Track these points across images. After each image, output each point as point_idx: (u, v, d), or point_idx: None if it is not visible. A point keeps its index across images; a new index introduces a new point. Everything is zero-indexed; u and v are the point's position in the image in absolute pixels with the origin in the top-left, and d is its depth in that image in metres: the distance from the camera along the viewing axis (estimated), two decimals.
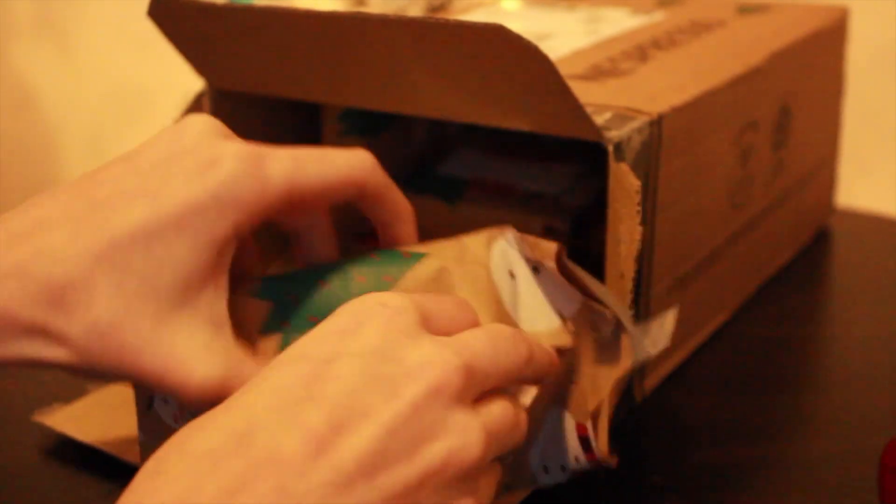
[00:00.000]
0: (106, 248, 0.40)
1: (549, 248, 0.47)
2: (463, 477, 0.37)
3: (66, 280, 0.39)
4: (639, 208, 0.51)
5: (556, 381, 0.47)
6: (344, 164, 0.45)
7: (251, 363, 0.42)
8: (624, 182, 0.51)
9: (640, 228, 0.51)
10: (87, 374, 0.41)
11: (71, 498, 0.50)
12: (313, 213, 0.47)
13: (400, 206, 0.48)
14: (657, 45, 0.67)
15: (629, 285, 0.52)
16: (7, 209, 1.54)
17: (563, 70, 0.50)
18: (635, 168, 0.53)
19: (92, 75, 1.97)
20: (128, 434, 0.54)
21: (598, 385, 0.48)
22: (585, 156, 0.70)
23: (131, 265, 0.40)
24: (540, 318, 0.47)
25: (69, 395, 0.58)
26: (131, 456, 0.52)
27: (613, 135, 0.52)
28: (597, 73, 0.61)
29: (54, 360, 0.40)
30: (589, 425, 0.47)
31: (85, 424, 0.55)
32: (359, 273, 0.45)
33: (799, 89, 0.71)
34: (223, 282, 0.42)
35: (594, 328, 0.48)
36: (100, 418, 0.54)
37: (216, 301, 0.42)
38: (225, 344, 0.41)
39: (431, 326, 0.40)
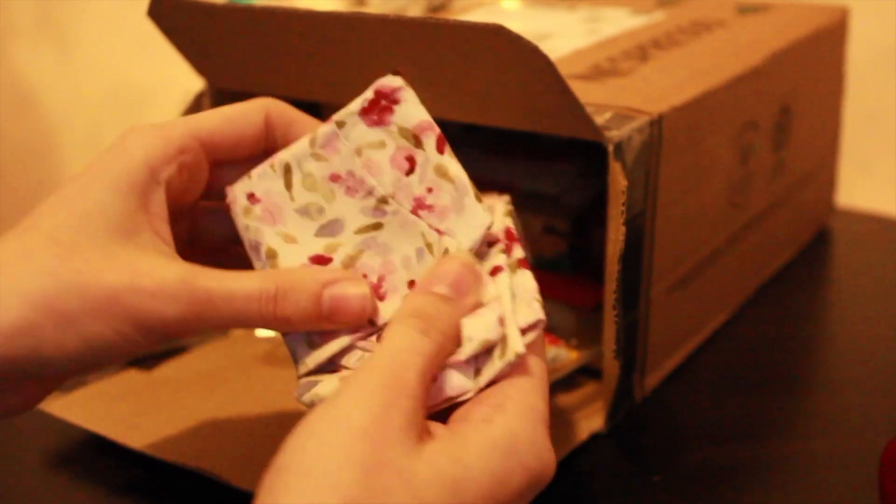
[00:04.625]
0: (31, 216, 0.43)
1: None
2: None
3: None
4: (623, 208, 0.51)
5: None
6: (242, 105, 0.47)
7: (215, 271, 0.43)
8: (615, 182, 0.51)
9: (622, 229, 0.51)
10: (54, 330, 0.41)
11: (71, 498, 0.50)
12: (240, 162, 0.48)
13: (313, 123, 0.48)
14: (657, 44, 0.67)
15: (613, 285, 0.52)
16: (7, 209, 1.53)
17: (563, 70, 0.50)
18: (635, 168, 0.53)
19: (92, 75, 1.97)
20: (127, 420, 0.54)
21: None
22: (585, 156, 0.70)
23: (59, 223, 0.42)
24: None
25: (68, 390, 0.58)
26: (131, 441, 0.52)
27: (613, 134, 0.52)
28: (597, 73, 0.61)
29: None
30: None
31: (83, 411, 0.55)
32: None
33: (799, 89, 0.71)
34: (164, 231, 0.44)
35: None
36: (99, 406, 0.54)
37: (159, 243, 0.44)
38: (179, 260, 0.44)
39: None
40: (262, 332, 0.65)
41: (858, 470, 0.52)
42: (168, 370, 0.61)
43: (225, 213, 0.48)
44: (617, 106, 0.55)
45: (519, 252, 0.45)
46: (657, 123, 0.54)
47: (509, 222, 0.46)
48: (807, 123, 0.73)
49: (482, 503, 0.36)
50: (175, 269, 0.42)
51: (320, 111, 0.70)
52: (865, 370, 0.62)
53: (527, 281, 0.44)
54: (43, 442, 0.56)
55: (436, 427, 0.39)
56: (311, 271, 0.45)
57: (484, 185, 0.69)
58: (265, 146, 0.48)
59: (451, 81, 0.53)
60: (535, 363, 0.41)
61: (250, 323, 0.43)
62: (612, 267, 0.52)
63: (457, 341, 0.41)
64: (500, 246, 0.45)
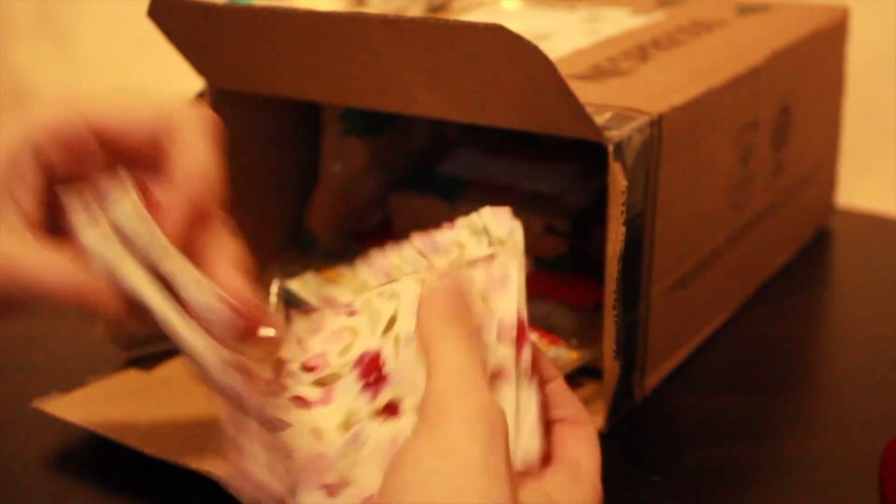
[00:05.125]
0: None
1: None
2: None
3: None
4: (623, 209, 0.51)
5: None
6: (137, 102, 0.45)
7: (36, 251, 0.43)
8: (614, 182, 0.51)
9: (622, 229, 0.51)
10: None
11: (71, 498, 0.50)
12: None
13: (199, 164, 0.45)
14: (657, 44, 0.67)
15: (613, 285, 0.52)
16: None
17: (563, 70, 0.50)
18: (635, 168, 0.53)
19: (92, 75, 1.96)
20: (126, 420, 0.54)
21: None
22: (585, 156, 0.70)
23: None
24: None
25: (67, 387, 0.58)
26: (131, 441, 0.52)
27: (614, 134, 0.51)
28: (597, 73, 0.61)
29: None
30: None
31: (83, 411, 0.55)
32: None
33: (799, 89, 0.71)
34: (25, 200, 0.43)
35: None
36: (98, 406, 0.54)
37: (8, 212, 0.43)
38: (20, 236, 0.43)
39: None
40: (262, 332, 0.65)
41: (858, 470, 0.52)
42: (168, 370, 0.61)
43: None
44: (617, 106, 0.55)
45: (527, 357, 0.42)
46: (657, 123, 0.54)
47: (523, 310, 0.43)
48: (807, 123, 0.73)
49: None
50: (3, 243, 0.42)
51: (320, 111, 0.70)
52: (865, 370, 0.62)
53: (532, 402, 0.41)
54: (43, 442, 0.56)
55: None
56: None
57: (484, 185, 0.70)
58: (154, 146, 0.45)
59: (451, 81, 0.53)
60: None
61: (55, 304, 0.44)
62: (612, 267, 0.52)
63: None
64: (509, 336, 0.42)
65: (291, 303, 0.63)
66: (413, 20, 0.50)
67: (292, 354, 0.44)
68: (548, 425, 0.42)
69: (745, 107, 0.64)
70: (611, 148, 0.51)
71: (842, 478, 0.52)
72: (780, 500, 0.51)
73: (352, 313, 0.44)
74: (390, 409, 0.41)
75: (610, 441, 0.55)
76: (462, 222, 0.47)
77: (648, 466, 0.53)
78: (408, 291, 0.43)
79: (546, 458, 0.41)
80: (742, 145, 0.64)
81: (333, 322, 0.44)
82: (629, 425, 0.56)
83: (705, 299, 0.64)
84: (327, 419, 0.41)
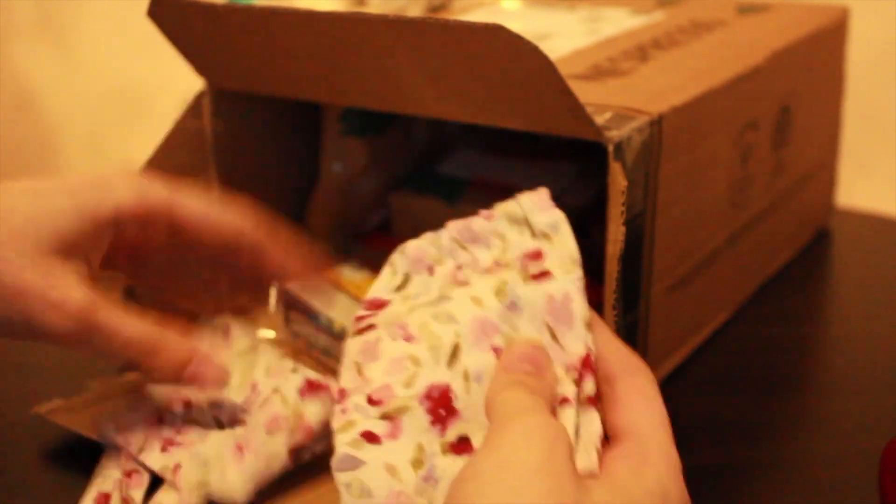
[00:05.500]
0: (5, 187, 0.48)
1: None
2: None
3: None
4: (623, 209, 0.51)
5: None
6: (225, 210, 0.52)
7: (115, 309, 0.48)
8: (614, 182, 0.51)
9: (622, 229, 0.51)
10: None
11: (71, 498, 0.50)
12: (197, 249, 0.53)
13: (283, 261, 0.54)
14: (657, 44, 0.67)
15: (613, 285, 0.52)
16: None
17: (563, 70, 0.50)
18: (635, 168, 0.53)
19: (92, 75, 1.97)
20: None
21: None
22: (585, 155, 0.70)
23: (16, 208, 0.47)
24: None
25: (69, 393, 0.58)
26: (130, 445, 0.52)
27: (614, 134, 0.51)
28: (597, 73, 0.61)
29: None
30: None
31: (83, 418, 0.55)
32: None
33: (799, 89, 0.71)
34: (94, 260, 0.50)
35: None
36: (98, 412, 0.54)
37: (84, 270, 0.49)
38: (92, 291, 0.48)
39: None
40: (262, 333, 0.65)
41: (858, 470, 0.52)
42: None
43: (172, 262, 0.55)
44: (617, 106, 0.55)
45: (590, 387, 0.42)
46: (657, 123, 0.54)
47: (589, 342, 0.43)
48: (807, 123, 0.73)
49: None
50: (83, 296, 0.47)
51: (320, 111, 0.70)
52: (865, 370, 0.62)
53: (593, 423, 0.41)
54: (43, 442, 0.56)
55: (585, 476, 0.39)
56: (186, 342, 0.50)
57: (484, 185, 0.70)
58: (227, 254, 0.53)
59: (451, 81, 0.53)
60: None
61: (129, 360, 0.49)
62: (612, 267, 0.52)
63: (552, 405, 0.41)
64: (573, 375, 0.42)
65: (291, 303, 0.63)
66: (413, 20, 0.50)
67: (353, 384, 0.43)
68: (600, 392, 0.42)
69: (745, 107, 0.64)
70: (611, 148, 0.51)
71: (842, 478, 0.52)
72: (780, 500, 0.51)
73: (408, 338, 0.43)
74: (462, 445, 0.41)
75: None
76: (500, 211, 0.47)
77: None
78: (464, 314, 0.43)
79: (608, 432, 0.41)
80: (742, 145, 0.64)
81: (391, 349, 0.43)
82: None
83: (705, 299, 0.64)
84: (397, 455, 0.41)
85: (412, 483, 0.40)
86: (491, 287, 0.43)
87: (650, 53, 0.65)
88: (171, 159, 0.62)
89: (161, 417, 0.53)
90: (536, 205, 0.46)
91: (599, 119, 0.53)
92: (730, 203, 0.64)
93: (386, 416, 0.42)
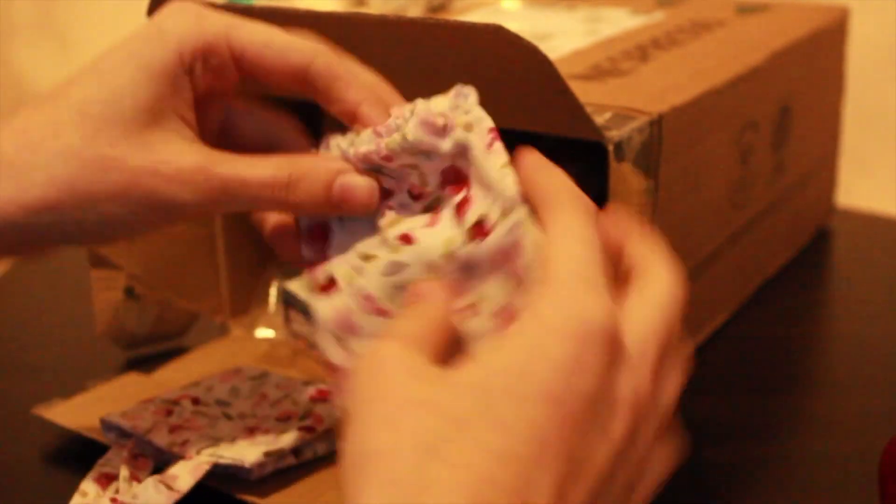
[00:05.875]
0: (62, 86, 0.44)
1: None
2: None
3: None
4: (638, 208, 0.51)
5: None
6: (288, 38, 0.46)
7: (232, 157, 0.44)
8: (627, 182, 0.51)
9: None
10: (75, 206, 0.42)
11: (71, 498, 0.50)
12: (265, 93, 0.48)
13: (363, 83, 0.47)
14: (657, 45, 0.67)
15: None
16: None
17: (563, 70, 0.50)
18: (635, 168, 0.53)
19: None
20: None
21: None
22: (585, 155, 0.70)
23: (89, 96, 0.43)
24: None
25: (69, 393, 0.58)
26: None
27: (614, 134, 0.51)
28: (597, 73, 0.61)
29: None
30: None
31: (84, 418, 0.55)
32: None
33: (799, 89, 0.71)
34: (189, 117, 0.45)
35: None
36: (99, 412, 0.54)
37: (183, 128, 0.44)
38: (201, 146, 0.44)
39: None
40: (261, 333, 0.65)
41: (858, 470, 0.52)
42: (168, 373, 0.61)
43: (255, 115, 0.49)
44: (617, 106, 0.55)
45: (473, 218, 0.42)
46: (657, 123, 0.54)
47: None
48: (807, 123, 0.73)
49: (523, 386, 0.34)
50: (194, 156, 0.43)
51: (320, 111, 0.70)
52: (865, 370, 0.62)
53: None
54: (43, 442, 0.56)
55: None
56: (324, 160, 0.45)
57: None
58: (300, 88, 0.47)
59: (451, 81, 0.53)
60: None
61: (265, 207, 0.45)
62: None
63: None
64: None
65: (291, 303, 0.63)
66: (413, 20, 0.50)
67: (344, 361, 0.44)
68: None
69: (745, 107, 0.64)
70: (611, 148, 0.51)
71: (842, 478, 0.52)
72: (780, 500, 0.51)
73: (381, 312, 0.44)
74: (479, 228, 0.41)
75: None
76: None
77: None
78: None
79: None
80: (742, 145, 0.64)
81: (368, 323, 0.44)
82: None
83: (705, 299, 0.64)
84: (430, 250, 0.42)
85: (450, 276, 0.42)
86: (440, 251, 0.43)
87: (650, 53, 0.65)
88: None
89: (169, 410, 0.53)
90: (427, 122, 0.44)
91: (599, 119, 0.53)
92: (730, 203, 0.64)
93: (429, 208, 0.44)
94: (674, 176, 0.57)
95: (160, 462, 0.50)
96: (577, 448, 0.34)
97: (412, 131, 0.42)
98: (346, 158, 0.45)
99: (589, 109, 0.51)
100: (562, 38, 0.69)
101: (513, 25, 0.47)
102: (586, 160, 0.70)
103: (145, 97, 0.43)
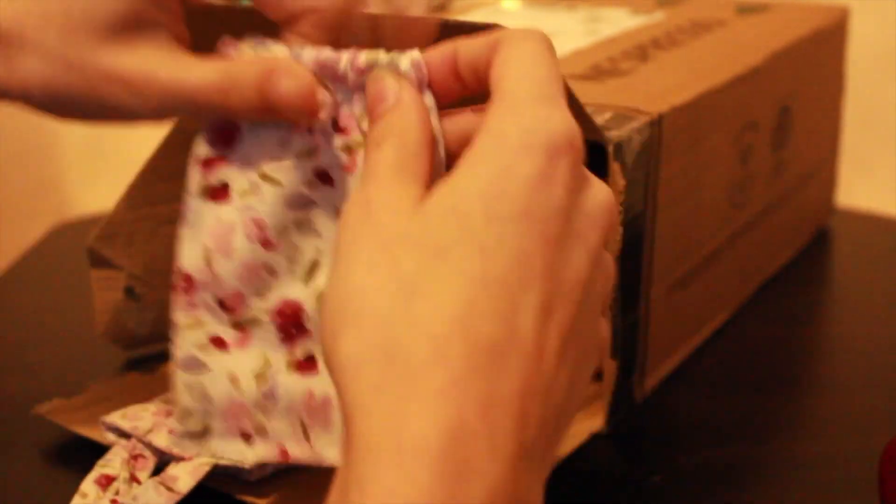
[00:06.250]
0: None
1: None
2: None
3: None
4: (622, 209, 0.51)
5: None
6: None
7: (183, 63, 0.43)
8: (614, 182, 0.51)
9: (620, 229, 0.51)
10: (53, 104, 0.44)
11: (71, 498, 0.50)
12: None
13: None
14: (657, 45, 0.67)
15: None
16: (7, 209, 1.52)
17: (563, 70, 0.50)
18: (635, 168, 0.53)
19: None
20: None
21: None
22: (585, 155, 0.70)
23: (72, 8, 0.43)
24: None
25: (69, 393, 0.58)
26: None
27: (613, 135, 0.52)
28: (597, 73, 0.61)
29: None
30: None
31: (84, 418, 0.55)
32: None
33: (799, 89, 0.71)
34: (177, 28, 0.45)
35: None
36: (99, 412, 0.54)
37: (161, 39, 0.44)
38: (174, 55, 0.44)
39: None
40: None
41: (858, 470, 0.52)
42: (168, 373, 0.61)
43: None
44: (617, 106, 0.55)
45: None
46: (657, 123, 0.54)
47: None
48: (807, 123, 0.73)
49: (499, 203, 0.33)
50: (149, 64, 0.43)
51: None
52: (865, 370, 0.62)
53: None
54: (43, 442, 0.56)
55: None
56: (256, 63, 0.43)
57: None
58: None
59: None
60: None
61: (208, 113, 0.44)
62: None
63: (417, 127, 0.38)
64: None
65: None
66: (413, 20, 0.50)
67: (203, 277, 0.42)
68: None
69: (745, 107, 0.64)
70: (611, 148, 0.51)
71: (842, 478, 0.52)
72: (780, 500, 0.51)
73: (266, 243, 0.42)
74: (308, 364, 0.41)
75: (610, 441, 0.55)
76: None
77: (648, 466, 0.53)
78: (328, 229, 0.42)
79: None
80: (742, 145, 0.64)
81: (246, 249, 0.42)
82: (629, 425, 0.56)
83: (705, 299, 0.64)
84: (242, 366, 0.41)
85: (253, 396, 0.41)
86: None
87: (650, 53, 0.65)
88: (170, 160, 0.62)
89: (169, 411, 0.53)
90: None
91: (599, 119, 0.53)
92: (730, 203, 0.64)
93: (237, 326, 0.42)
94: (674, 176, 0.57)
95: (160, 463, 0.50)
96: (557, 263, 0.33)
97: (405, 63, 0.40)
98: (296, 59, 0.42)
99: (589, 109, 0.51)
100: (562, 38, 0.69)
101: (513, 25, 0.47)
102: (586, 160, 0.70)
103: (123, 7, 0.43)
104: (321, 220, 0.42)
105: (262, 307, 0.42)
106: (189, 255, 0.42)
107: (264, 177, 0.42)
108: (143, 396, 0.56)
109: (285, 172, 0.42)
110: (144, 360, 0.63)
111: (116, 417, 0.52)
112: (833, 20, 0.75)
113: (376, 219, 0.34)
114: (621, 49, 0.66)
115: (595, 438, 0.55)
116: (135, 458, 0.50)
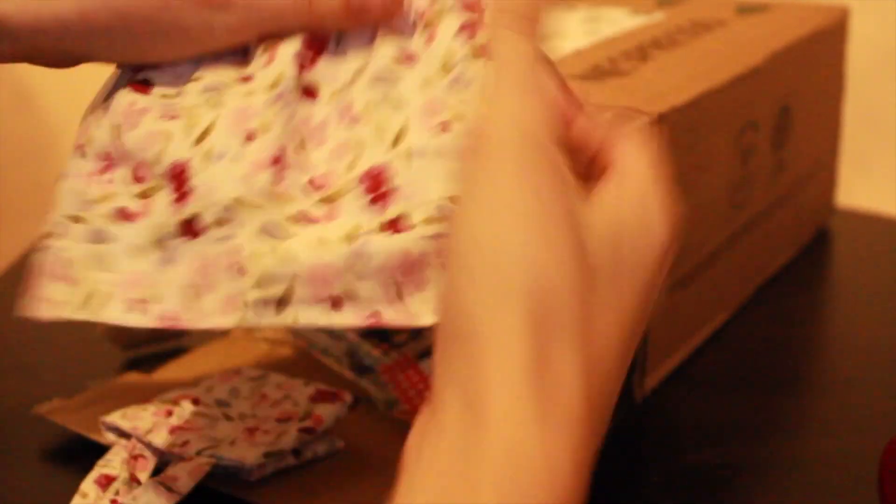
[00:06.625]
0: None
1: None
2: None
3: None
4: None
5: None
6: None
7: None
8: None
9: None
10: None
11: (71, 498, 0.50)
12: None
13: None
14: (657, 45, 0.67)
15: None
16: (7, 209, 1.52)
17: (563, 70, 0.50)
18: None
19: (92, 75, 1.96)
20: None
21: None
22: None
23: None
24: None
25: (69, 393, 0.58)
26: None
27: None
28: (597, 73, 0.61)
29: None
30: None
31: (84, 418, 0.55)
32: None
33: (799, 89, 0.71)
34: None
35: None
36: (99, 412, 0.54)
37: None
38: None
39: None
40: (261, 334, 0.65)
41: (858, 470, 0.52)
42: (168, 373, 0.61)
43: None
44: (617, 106, 0.55)
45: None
46: (657, 123, 0.54)
47: None
48: (807, 123, 0.73)
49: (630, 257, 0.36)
50: None
51: None
52: (865, 370, 0.62)
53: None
54: (43, 442, 0.56)
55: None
56: None
57: None
58: None
59: None
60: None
61: (292, 25, 0.42)
62: None
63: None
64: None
65: None
66: None
67: (294, 158, 0.42)
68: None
69: (745, 107, 0.64)
70: None
71: (842, 478, 0.52)
72: (780, 500, 0.51)
73: (354, 119, 0.42)
74: (401, 223, 0.40)
75: (609, 441, 0.55)
76: None
77: (648, 466, 0.53)
78: (415, 98, 0.42)
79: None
80: (742, 145, 0.64)
81: (338, 134, 0.42)
82: (629, 425, 0.56)
83: (705, 299, 0.64)
84: (331, 233, 0.40)
85: (343, 257, 0.39)
86: (438, 65, 0.42)
87: (650, 53, 0.65)
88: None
89: (169, 411, 0.53)
90: None
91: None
92: (730, 203, 0.64)
93: (326, 200, 0.41)
94: (674, 176, 0.57)
95: (160, 463, 0.50)
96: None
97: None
98: None
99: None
100: (562, 38, 0.69)
101: None
102: None
103: None
104: (406, 91, 0.42)
105: (349, 177, 0.41)
106: (284, 137, 0.42)
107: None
108: (143, 396, 0.56)
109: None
110: (144, 360, 0.63)
111: (116, 417, 0.52)
112: (833, 20, 0.75)
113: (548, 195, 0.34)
114: (621, 49, 0.66)
115: None
116: (135, 458, 0.50)
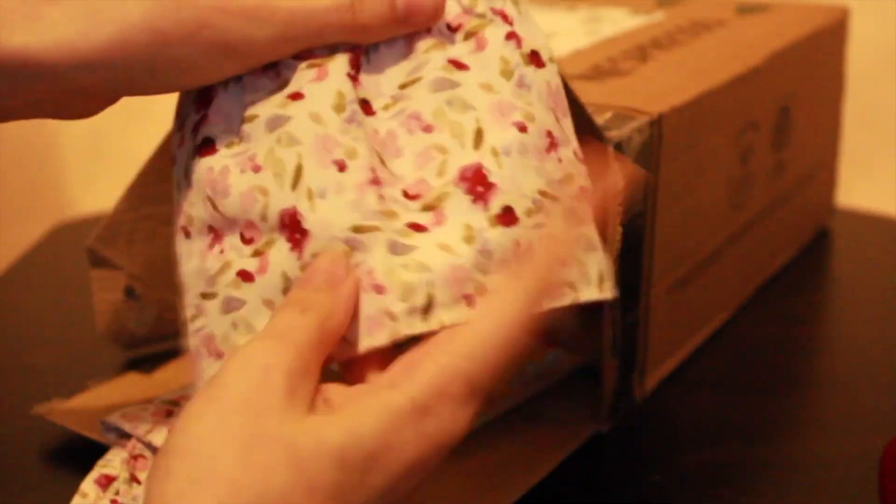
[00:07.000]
0: None
1: None
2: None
3: None
4: (619, 209, 0.51)
5: None
6: None
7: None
8: (613, 181, 0.51)
9: (620, 229, 0.51)
10: None
11: (71, 498, 0.50)
12: None
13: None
14: (657, 45, 0.67)
15: None
16: (7, 209, 1.52)
17: (563, 70, 0.50)
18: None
19: None
20: None
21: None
22: None
23: None
24: None
25: (69, 393, 0.58)
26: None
27: (614, 135, 0.51)
28: (597, 73, 0.61)
29: None
30: None
31: (84, 418, 0.55)
32: None
33: (799, 89, 0.71)
34: None
35: None
36: (98, 412, 0.54)
37: None
38: None
39: None
40: None
41: (858, 470, 0.52)
42: (168, 373, 0.61)
43: None
44: (617, 106, 0.55)
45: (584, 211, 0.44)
46: (657, 123, 0.54)
47: (576, 145, 0.45)
48: (807, 123, 0.73)
49: (374, 474, 0.35)
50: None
51: None
52: (865, 370, 0.62)
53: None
54: (43, 442, 0.56)
55: (336, 394, 0.38)
56: None
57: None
58: None
59: None
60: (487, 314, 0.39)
61: (335, 35, 0.42)
62: (612, 267, 0.52)
63: (339, 319, 0.39)
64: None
65: None
66: None
67: (382, 174, 0.42)
68: None
69: (745, 107, 0.64)
70: (611, 148, 0.51)
71: (842, 478, 0.52)
72: (780, 500, 0.51)
73: (427, 129, 0.43)
74: (507, 216, 0.41)
75: (610, 441, 0.55)
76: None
77: (648, 466, 0.53)
78: (480, 100, 0.43)
79: None
80: (742, 145, 0.64)
81: (412, 143, 0.43)
82: (629, 425, 0.56)
83: (705, 299, 0.64)
84: (449, 237, 0.41)
85: (470, 257, 0.40)
86: (497, 70, 0.43)
87: (650, 53, 0.65)
88: (171, 160, 0.62)
89: (169, 411, 0.53)
90: None
91: (599, 119, 0.53)
92: (730, 203, 0.64)
93: (427, 207, 0.42)
94: (674, 176, 0.57)
95: None
96: None
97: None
98: None
99: (589, 109, 0.51)
100: (562, 38, 0.69)
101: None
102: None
103: None
104: (468, 94, 0.43)
105: (444, 181, 0.42)
106: (367, 157, 0.42)
107: (250, 118, 0.43)
108: (143, 396, 0.56)
109: (267, 106, 0.43)
110: (144, 360, 0.63)
111: (116, 417, 0.52)
112: (833, 20, 0.75)
113: (262, 406, 0.35)
114: (621, 49, 0.66)
115: (595, 438, 0.55)
116: (135, 458, 0.50)
